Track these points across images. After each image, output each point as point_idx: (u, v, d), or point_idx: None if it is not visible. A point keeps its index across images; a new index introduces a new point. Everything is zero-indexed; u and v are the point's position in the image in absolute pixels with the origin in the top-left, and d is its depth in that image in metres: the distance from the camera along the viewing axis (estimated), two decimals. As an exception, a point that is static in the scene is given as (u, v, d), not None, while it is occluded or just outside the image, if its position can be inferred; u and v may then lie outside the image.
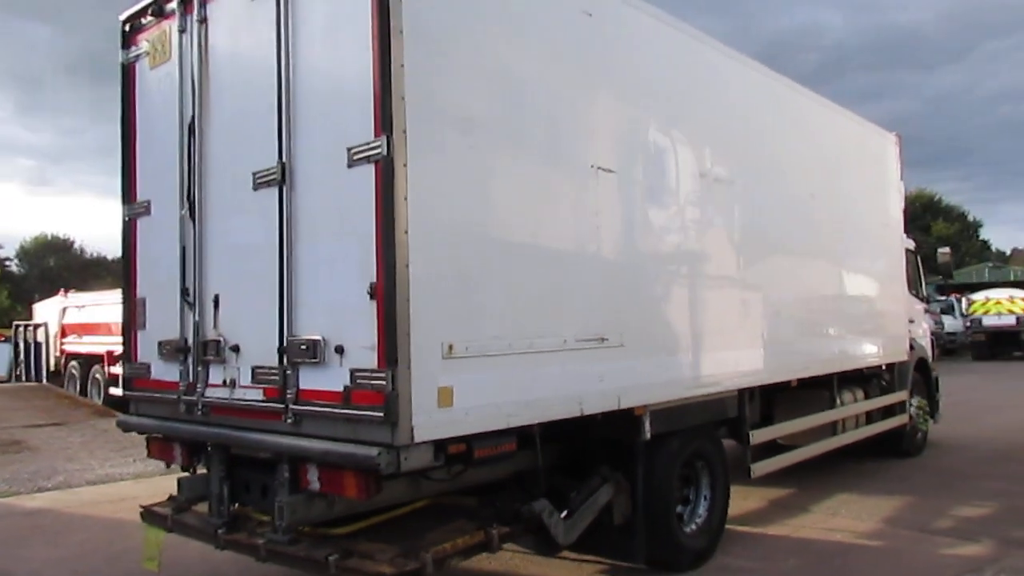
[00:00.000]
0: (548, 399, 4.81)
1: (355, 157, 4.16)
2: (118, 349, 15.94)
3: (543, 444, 4.93)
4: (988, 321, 31.35)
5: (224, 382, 4.93)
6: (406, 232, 4.00)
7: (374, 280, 4.05)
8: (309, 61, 4.49)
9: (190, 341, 5.21)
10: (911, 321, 10.53)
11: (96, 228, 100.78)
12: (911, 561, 6.34)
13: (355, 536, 4.66)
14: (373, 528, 4.78)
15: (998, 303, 31.54)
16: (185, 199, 5.24)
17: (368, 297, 4.07)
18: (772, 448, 7.66)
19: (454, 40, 4.40)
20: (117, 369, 16.27)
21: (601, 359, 5.21)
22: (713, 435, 6.49)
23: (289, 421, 4.46)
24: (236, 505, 5.15)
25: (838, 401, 8.55)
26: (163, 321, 5.45)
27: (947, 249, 12.34)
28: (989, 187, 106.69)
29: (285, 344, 4.49)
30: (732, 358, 6.65)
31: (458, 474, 4.65)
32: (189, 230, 5.23)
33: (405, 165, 4.02)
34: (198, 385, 5.09)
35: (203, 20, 5.17)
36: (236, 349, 4.85)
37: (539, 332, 4.79)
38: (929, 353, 11.34)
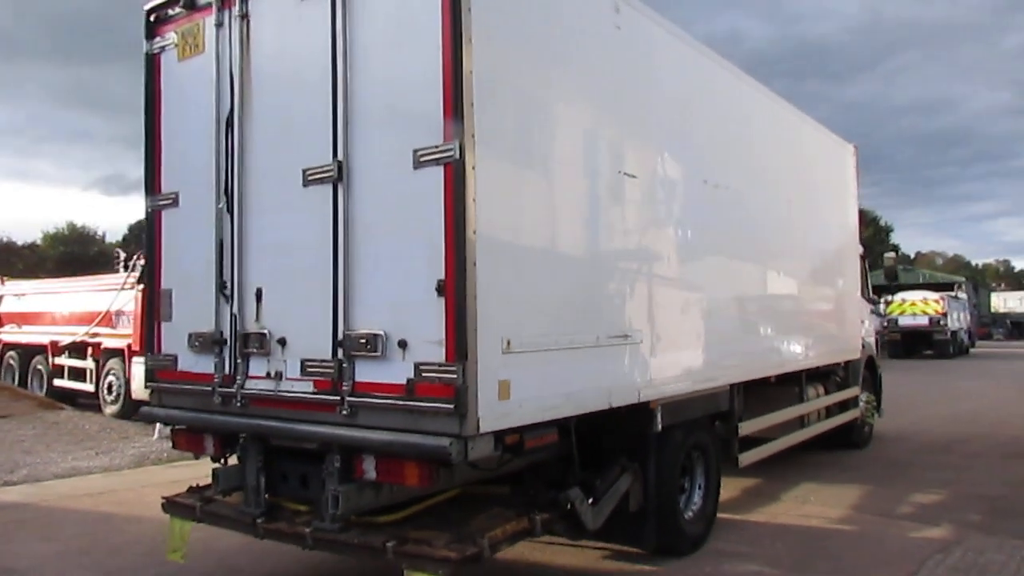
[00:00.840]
0: (584, 392, 5.09)
1: (422, 159, 4.33)
2: (63, 339, 15.52)
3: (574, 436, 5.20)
4: (904, 321, 33.21)
5: (268, 374, 5.01)
6: (474, 232, 4.21)
7: (442, 277, 4.23)
8: (369, 63, 4.61)
9: (226, 334, 5.26)
10: (862, 321, 11.25)
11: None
12: (885, 544, 6.88)
13: (401, 524, 4.83)
14: (415, 516, 4.96)
15: (913, 304, 33.45)
16: (223, 193, 5.29)
17: (436, 294, 4.25)
18: (746, 441, 8.13)
19: (512, 50, 4.62)
20: (63, 360, 15.77)
21: (625, 356, 5.52)
22: (709, 427, 6.88)
23: (344, 413, 4.59)
24: (267, 496, 5.24)
25: (806, 396, 9.10)
26: (193, 313, 5.48)
27: (892, 254, 13.17)
28: (896, 193, 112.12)
29: (341, 338, 4.61)
30: (726, 356, 7.07)
31: (505, 463, 4.87)
32: (227, 224, 5.28)
33: (474, 168, 4.22)
34: (237, 377, 5.16)
35: (244, 16, 5.22)
36: (283, 342, 4.94)
37: (577, 329, 5.06)
38: (875, 351, 12.12)
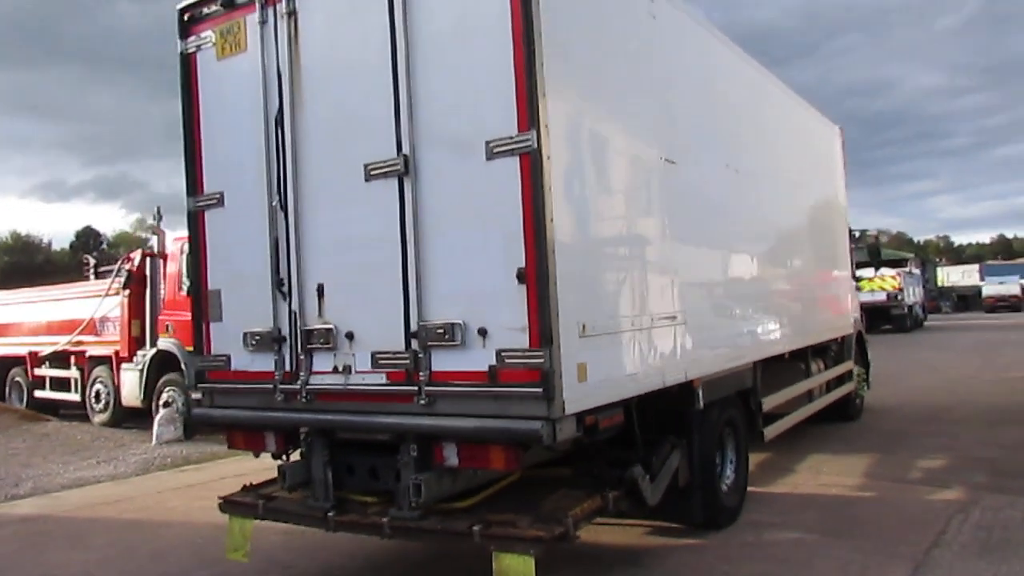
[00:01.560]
0: (644, 373, 5.25)
1: (496, 150, 4.42)
2: (43, 349, 15.15)
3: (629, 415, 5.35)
4: (863, 297, 34.09)
5: (335, 369, 5.06)
6: (552, 220, 4.32)
7: (523, 266, 4.34)
8: (433, 56, 4.67)
9: (285, 331, 5.29)
10: (851, 298, 11.65)
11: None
12: (906, 507, 7.20)
13: (477, 509, 4.93)
14: (487, 501, 5.06)
15: (871, 280, 34.40)
16: (275, 191, 5.30)
17: (516, 282, 4.35)
18: (767, 416, 8.40)
19: (573, 40, 4.72)
20: (44, 370, 15.41)
21: (673, 336, 5.70)
22: (738, 404, 7.11)
23: (422, 402, 4.67)
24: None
25: (811, 371, 9.42)
26: (247, 313, 5.48)
27: (875, 231, 13.62)
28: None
29: (415, 329, 4.68)
30: (750, 334, 7.31)
31: (577, 444, 5.00)
32: (281, 222, 5.30)
33: (549, 158, 4.33)
34: (300, 373, 5.19)
35: (292, 13, 5.23)
36: (350, 336, 4.99)
37: (637, 312, 5.21)
38: (862, 326, 12.54)
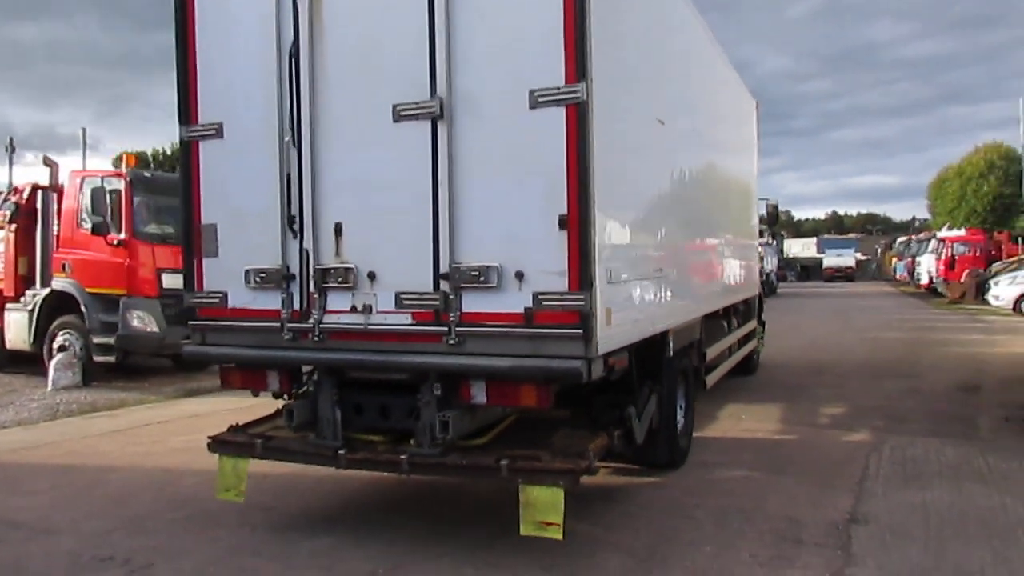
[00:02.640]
0: (643, 320, 5.59)
1: (540, 99, 4.55)
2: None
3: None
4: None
5: (353, 308, 5.06)
6: (593, 170, 4.52)
7: (564, 212, 4.52)
8: (475, 2, 4.71)
9: (294, 269, 5.22)
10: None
11: None
12: (825, 448, 8.02)
13: (492, 446, 5.13)
14: (498, 439, 5.27)
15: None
16: (288, 126, 5.18)
17: (557, 228, 4.53)
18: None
19: (627, 6, 4.90)
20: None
21: (660, 288, 6.07)
22: (690, 353, 7.64)
23: (451, 342, 4.79)
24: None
25: (731, 328, 10.16)
26: (249, 249, 5.37)
27: (775, 200, 14.64)
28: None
29: (447, 271, 4.78)
30: (700, 289, 7.83)
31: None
32: (292, 157, 5.19)
33: (592, 110, 4.52)
34: (313, 311, 5.16)
35: (314, -58, 5.08)
36: (372, 276, 5.01)
37: (642, 262, 5.54)
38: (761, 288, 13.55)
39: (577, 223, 4.51)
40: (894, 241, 55.28)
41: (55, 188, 12.55)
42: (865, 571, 4.84)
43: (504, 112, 4.66)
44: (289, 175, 5.20)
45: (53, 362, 11.97)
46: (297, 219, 5.19)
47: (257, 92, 5.28)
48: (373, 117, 4.97)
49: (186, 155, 5.56)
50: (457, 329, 4.78)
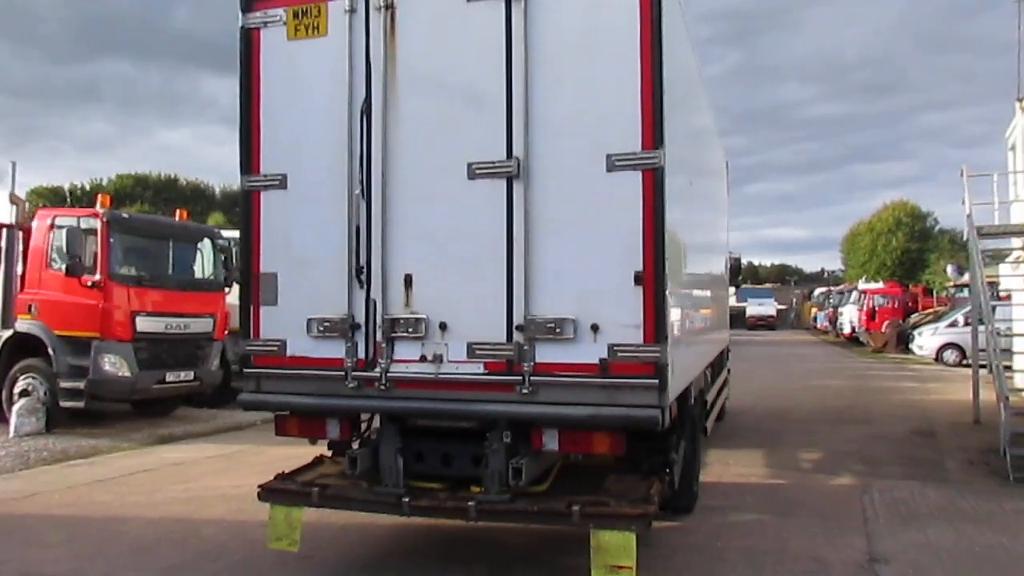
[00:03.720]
0: (687, 372, 5.91)
1: (618, 163, 4.86)
2: None
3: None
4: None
5: (423, 357, 5.19)
6: (665, 231, 4.84)
7: (640, 269, 4.81)
8: (552, 68, 4.98)
9: (359, 318, 5.33)
10: (725, 311, 13.14)
11: None
12: (820, 491, 8.46)
13: (551, 493, 5.29)
14: (554, 486, 5.44)
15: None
16: (359, 179, 5.33)
17: (633, 283, 4.81)
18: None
19: (677, 74, 5.27)
20: None
21: (692, 340, 6.41)
22: (699, 401, 7.98)
23: (524, 391, 4.97)
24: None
25: (716, 376, 10.60)
26: (312, 298, 5.44)
27: (738, 253, 15.34)
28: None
29: (523, 322, 4.98)
30: (706, 340, 8.23)
31: None
32: (361, 210, 5.34)
33: (667, 174, 4.85)
34: (380, 360, 5.26)
35: (389, 7, 5.31)
36: (443, 326, 5.16)
37: (686, 318, 5.86)
38: (726, 337, 14.13)
39: (652, 279, 4.80)
40: (812, 292, 57.82)
41: (20, 226, 12.14)
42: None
43: (580, 174, 4.94)
44: (358, 227, 5.33)
45: (16, 407, 11.46)
46: (365, 270, 5.31)
47: (325, 145, 5.42)
48: (446, 173, 5.18)
49: (247, 204, 5.63)
50: (532, 378, 4.97)
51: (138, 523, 7.13)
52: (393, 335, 5.26)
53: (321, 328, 5.40)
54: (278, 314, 5.55)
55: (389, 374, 5.25)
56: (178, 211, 14.03)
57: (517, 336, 5.01)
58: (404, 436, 5.38)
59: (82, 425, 12.19)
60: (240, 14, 5.62)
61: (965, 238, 13.59)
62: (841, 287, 49.42)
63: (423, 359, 5.20)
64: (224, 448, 10.98)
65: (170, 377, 12.41)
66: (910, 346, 28.17)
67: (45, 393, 11.71)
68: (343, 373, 5.33)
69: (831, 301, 46.83)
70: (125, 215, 12.58)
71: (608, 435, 4.97)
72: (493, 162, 5.09)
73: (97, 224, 11.65)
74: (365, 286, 5.33)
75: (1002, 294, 34.10)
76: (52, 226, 11.90)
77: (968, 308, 26.68)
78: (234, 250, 13.87)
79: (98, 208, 11.86)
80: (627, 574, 4.77)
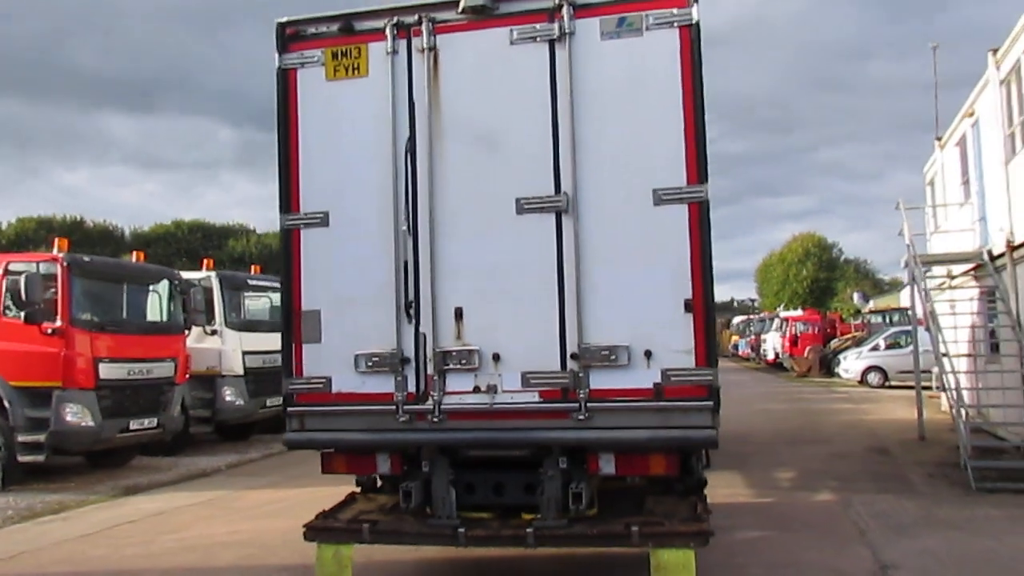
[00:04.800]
0: (712, 393, 6.17)
1: (664, 198, 5.14)
2: None
3: None
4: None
5: (477, 388, 5.30)
6: (711, 259, 5.15)
7: (689, 297, 5.08)
8: (597, 107, 5.25)
9: (408, 352, 5.41)
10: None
11: None
12: (809, 507, 8.87)
13: (602, 516, 5.45)
14: (604, 508, 5.60)
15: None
16: (405, 216, 5.45)
17: (684, 311, 5.08)
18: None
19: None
20: None
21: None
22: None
23: (580, 418, 5.14)
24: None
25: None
26: (357, 334, 5.49)
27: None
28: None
29: (577, 351, 5.16)
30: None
31: None
32: (408, 245, 5.45)
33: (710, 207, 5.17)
34: (432, 393, 5.34)
35: (432, 49, 5.49)
36: (496, 357, 5.29)
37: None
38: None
39: (701, 306, 5.08)
40: (730, 320, 59.92)
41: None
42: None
43: (628, 207, 5.20)
44: (406, 262, 5.43)
45: (-30, 464, 10.82)
46: (414, 304, 5.40)
47: (368, 184, 5.53)
48: (494, 209, 5.35)
49: (287, 242, 5.65)
50: (588, 405, 5.14)
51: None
52: (445, 367, 5.35)
53: (370, 363, 5.44)
54: (322, 351, 5.56)
55: (443, 406, 5.33)
56: (134, 253, 13.63)
57: (571, 364, 5.19)
58: (453, 467, 5.45)
59: (37, 480, 11.57)
60: (276, 55, 5.70)
61: (903, 265, 14.55)
62: (762, 315, 51.32)
63: (477, 390, 5.31)
64: (199, 496, 10.64)
65: (134, 425, 11.94)
66: (835, 370, 29.54)
67: (1, 448, 11.09)
68: (394, 407, 5.38)
69: (752, 329, 48.52)
70: (86, 259, 12.15)
71: (664, 457, 5.19)
72: (542, 197, 5.30)
73: (57, 269, 11.21)
74: (414, 320, 5.41)
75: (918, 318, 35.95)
76: (5, 272, 11.37)
77: (887, 333, 28.32)
78: (192, 292, 13.57)
79: (56, 252, 11.43)
80: (688, 591, 4.95)
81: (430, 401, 5.34)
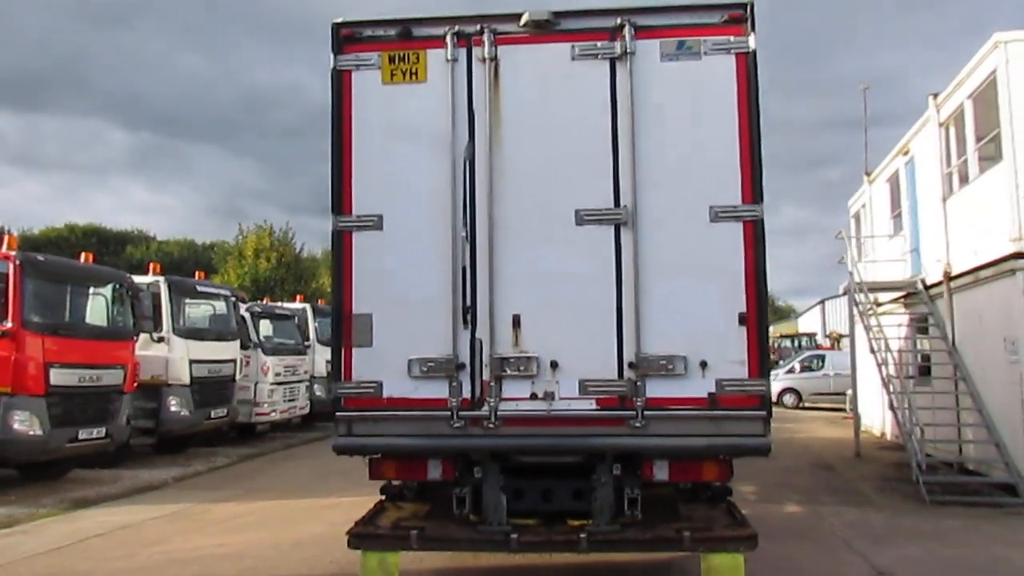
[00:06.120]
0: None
1: (721, 215, 5.37)
2: None
3: None
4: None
5: (534, 395, 5.36)
6: (766, 275, 5.40)
7: (743, 310, 5.31)
8: (656, 124, 5.43)
9: (463, 358, 5.42)
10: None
11: None
12: (782, 519, 9.26)
13: (649, 522, 5.58)
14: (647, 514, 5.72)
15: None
16: (463, 223, 5.48)
17: (738, 323, 5.30)
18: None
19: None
20: None
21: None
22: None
23: (637, 425, 5.27)
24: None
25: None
26: (411, 338, 5.46)
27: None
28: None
29: (634, 360, 5.30)
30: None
31: None
32: (466, 252, 5.48)
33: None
34: (488, 399, 5.36)
35: (493, 59, 5.57)
36: (555, 365, 5.37)
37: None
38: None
39: (755, 319, 5.31)
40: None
41: None
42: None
43: (686, 223, 5.40)
44: (464, 268, 5.45)
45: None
46: (471, 310, 5.43)
47: (424, 189, 5.54)
48: (553, 218, 5.46)
49: (339, 245, 5.58)
50: (645, 413, 5.28)
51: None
52: (502, 374, 5.39)
53: (424, 368, 5.42)
54: (373, 355, 5.50)
55: (499, 412, 5.36)
56: (83, 254, 12.93)
57: (628, 373, 5.32)
58: (503, 473, 5.48)
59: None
60: (332, 56, 5.64)
61: (841, 292, 15.39)
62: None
63: (534, 396, 5.37)
64: (161, 509, 10.15)
65: (82, 435, 11.31)
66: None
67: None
68: (449, 413, 5.37)
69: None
70: (40, 257, 11.46)
71: (716, 464, 5.38)
72: (602, 209, 5.44)
73: (9, 268, 10.55)
74: (471, 326, 5.43)
75: (822, 343, 37.78)
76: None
77: (803, 356, 29.73)
78: (141, 295, 12.99)
79: (6, 250, 10.76)
80: (738, 593, 5.14)
81: (486, 407, 5.36)
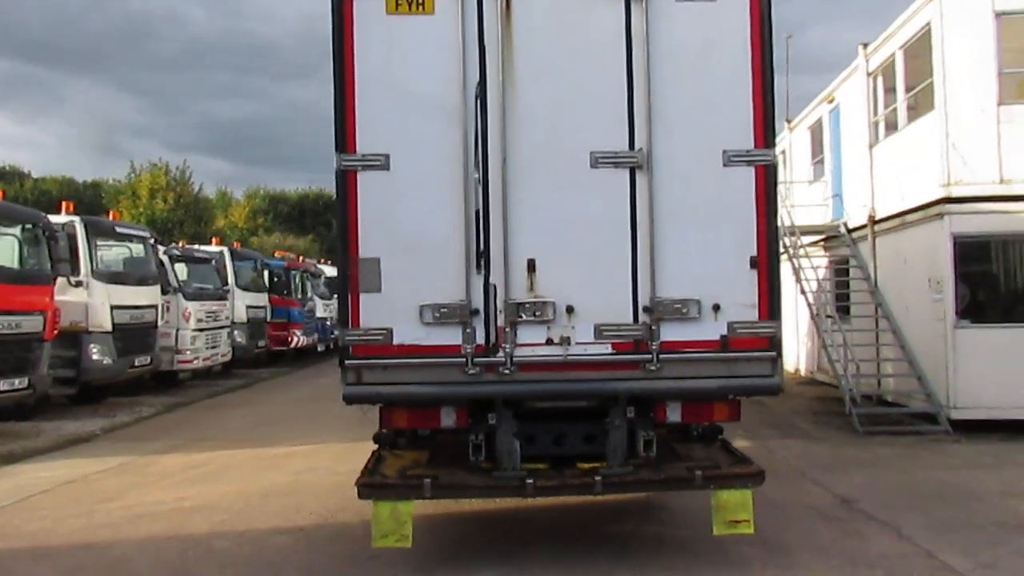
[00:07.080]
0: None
1: (733, 159, 5.37)
2: None
3: None
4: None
5: (550, 340, 5.30)
6: (776, 219, 5.48)
7: (755, 254, 5.38)
8: (670, 67, 5.32)
9: (477, 304, 5.30)
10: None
11: None
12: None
13: (657, 463, 5.68)
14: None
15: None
16: (477, 165, 5.29)
17: (749, 267, 5.38)
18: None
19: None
20: None
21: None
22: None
23: (652, 368, 5.31)
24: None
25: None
26: (421, 283, 5.29)
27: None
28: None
29: (649, 304, 5.30)
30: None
31: None
32: (478, 195, 5.30)
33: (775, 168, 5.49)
34: (504, 345, 5.27)
35: (506, -7, 5.32)
36: (570, 310, 5.31)
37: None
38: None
39: (766, 263, 5.40)
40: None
41: None
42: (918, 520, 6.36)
43: (699, 167, 5.38)
44: (477, 211, 5.28)
45: None
46: (484, 254, 5.28)
47: (433, 127, 5.30)
48: (567, 161, 5.33)
49: (343, 185, 5.28)
50: (661, 356, 5.32)
51: (125, 547, 6.23)
52: (517, 319, 5.30)
53: (437, 314, 5.26)
54: (382, 301, 5.29)
55: (515, 358, 5.28)
56: (-8, 191, 11.85)
57: (643, 317, 5.33)
58: (516, 419, 5.44)
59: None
60: (332, -16, 5.25)
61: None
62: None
63: (550, 342, 5.31)
64: (102, 463, 9.63)
65: (3, 385, 10.53)
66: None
67: None
68: (463, 359, 5.25)
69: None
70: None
71: (727, 405, 5.50)
72: (617, 152, 5.35)
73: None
74: (484, 271, 5.30)
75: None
76: None
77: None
78: (57, 236, 12.06)
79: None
80: (745, 527, 5.34)
81: (501, 353, 5.27)
